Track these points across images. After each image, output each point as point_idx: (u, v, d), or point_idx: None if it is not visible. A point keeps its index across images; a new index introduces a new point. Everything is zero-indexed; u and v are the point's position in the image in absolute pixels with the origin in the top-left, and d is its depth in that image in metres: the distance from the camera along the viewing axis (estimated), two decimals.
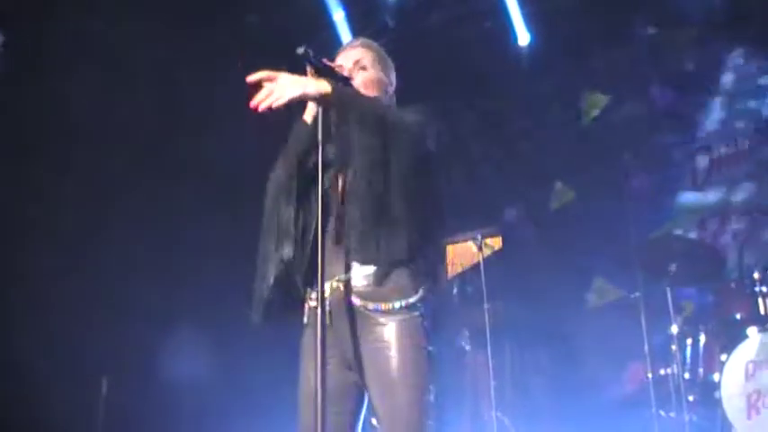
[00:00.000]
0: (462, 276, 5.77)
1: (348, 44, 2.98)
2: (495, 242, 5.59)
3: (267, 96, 2.52)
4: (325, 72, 2.66)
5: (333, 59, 2.83)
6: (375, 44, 2.99)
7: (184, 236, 5.84)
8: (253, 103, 2.52)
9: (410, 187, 2.59)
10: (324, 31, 6.88)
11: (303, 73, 2.65)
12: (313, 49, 2.64)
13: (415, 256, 2.60)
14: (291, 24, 6.31)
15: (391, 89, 2.92)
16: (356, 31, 6.73)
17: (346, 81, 2.75)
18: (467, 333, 5.53)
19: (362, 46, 2.95)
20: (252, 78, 2.54)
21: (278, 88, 2.52)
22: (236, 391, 5.72)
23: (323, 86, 2.56)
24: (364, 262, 2.62)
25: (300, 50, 2.61)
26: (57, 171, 5.41)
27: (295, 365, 2.74)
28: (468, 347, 5.56)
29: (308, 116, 2.77)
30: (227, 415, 5.60)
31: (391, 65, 2.95)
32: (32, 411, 4.87)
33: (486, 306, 5.23)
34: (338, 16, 6.94)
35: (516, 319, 5.97)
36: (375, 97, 2.75)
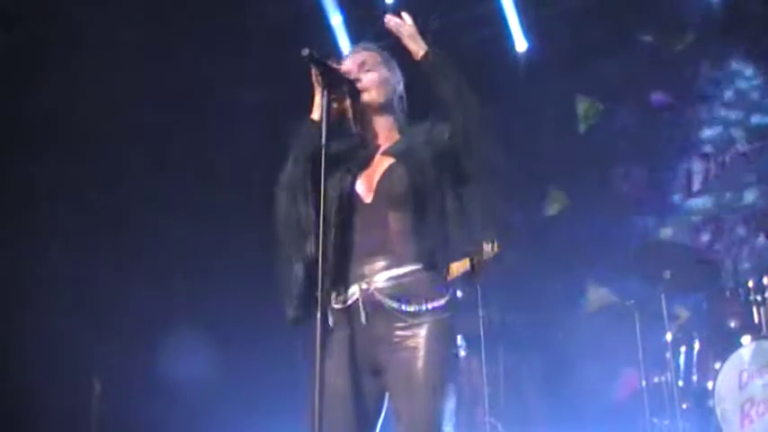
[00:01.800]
0: (457, 282, 5.75)
1: (352, 50, 3.00)
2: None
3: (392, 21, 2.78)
4: (329, 74, 2.68)
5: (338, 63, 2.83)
6: (376, 47, 3.00)
7: (179, 235, 5.83)
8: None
9: (456, 189, 2.64)
10: (322, 36, 6.89)
11: (308, 74, 2.69)
12: (317, 51, 2.65)
13: (445, 259, 2.61)
14: (289, 29, 6.32)
15: (400, 88, 2.92)
16: (354, 36, 6.74)
17: (351, 84, 2.76)
18: (461, 339, 5.52)
19: (366, 49, 2.95)
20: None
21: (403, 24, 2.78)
22: (231, 390, 5.71)
23: (424, 47, 2.76)
24: (395, 264, 2.62)
25: (305, 52, 2.61)
26: (55, 171, 5.41)
27: (291, 364, 2.74)
28: (462, 353, 5.55)
29: (315, 115, 2.77)
30: (221, 414, 5.59)
31: (395, 65, 2.95)
32: (25, 411, 4.86)
33: (480, 312, 5.22)
34: (336, 21, 6.94)
35: (510, 326, 5.97)
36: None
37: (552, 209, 7.01)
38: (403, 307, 2.59)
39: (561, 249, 6.66)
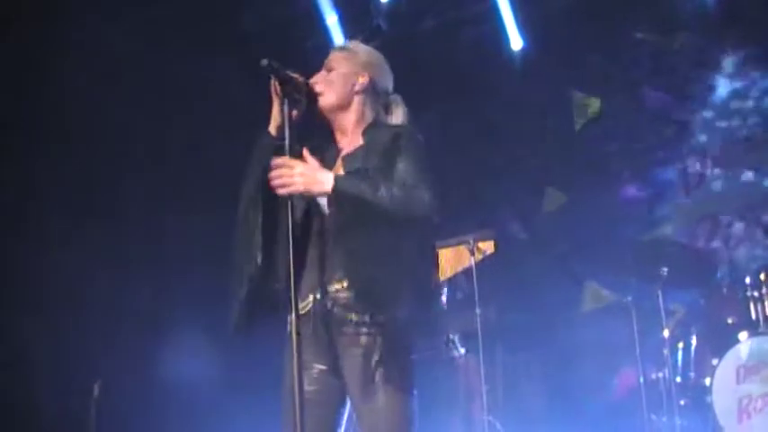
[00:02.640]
0: (454, 281, 5.77)
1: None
2: (488, 246, 5.57)
3: (278, 181, 2.58)
4: (288, 83, 2.69)
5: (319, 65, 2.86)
6: (347, 43, 3.02)
7: (178, 237, 5.83)
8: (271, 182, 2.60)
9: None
10: (317, 36, 6.89)
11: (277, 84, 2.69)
12: (276, 62, 2.67)
13: (401, 268, 2.59)
14: (284, 29, 6.32)
15: (362, 81, 2.87)
16: (349, 36, 6.74)
17: (308, 88, 2.77)
18: (458, 338, 5.53)
19: (335, 50, 2.98)
20: (273, 166, 2.60)
21: (288, 177, 2.57)
22: (230, 393, 5.71)
23: (326, 185, 2.57)
24: (348, 273, 2.61)
25: (264, 62, 2.63)
26: (53, 173, 5.41)
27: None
28: (459, 352, 5.55)
29: (272, 128, 2.79)
30: (220, 418, 5.58)
31: (364, 58, 2.93)
32: (23, 415, 4.86)
33: (477, 310, 5.23)
34: (331, 20, 6.94)
35: (508, 324, 5.97)
36: (379, 189, 2.60)
37: (549, 207, 7.01)
38: (354, 317, 2.61)
39: (559, 247, 6.67)
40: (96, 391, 4.86)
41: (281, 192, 2.58)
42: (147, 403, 5.35)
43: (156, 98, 5.85)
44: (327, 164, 2.76)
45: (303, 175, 2.57)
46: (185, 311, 5.70)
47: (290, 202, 2.58)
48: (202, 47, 6.03)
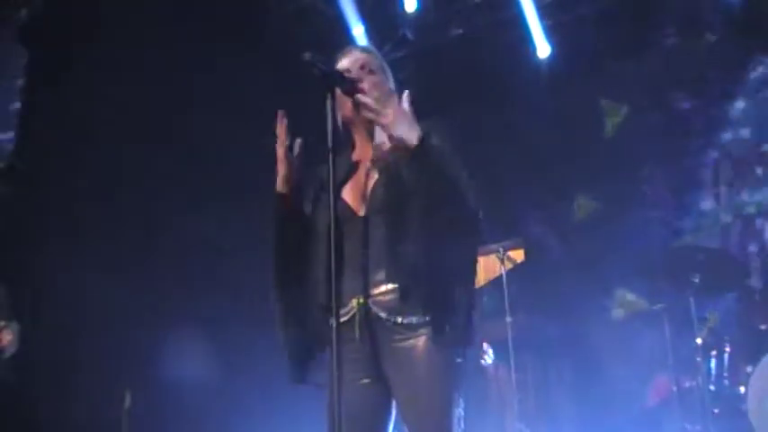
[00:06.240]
0: (484, 289, 5.75)
1: (347, 50, 2.90)
2: (518, 255, 5.55)
3: (374, 100, 2.51)
4: (332, 77, 2.61)
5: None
6: (375, 50, 2.96)
7: (205, 242, 5.87)
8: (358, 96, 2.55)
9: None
10: (343, 46, 6.90)
11: (312, 79, 2.59)
12: (323, 56, 2.61)
13: (447, 269, 2.56)
14: (310, 39, 6.35)
15: (393, 87, 2.85)
16: (376, 45, 6.76)
17: (354, 85, 2.65)
18: (489, 346, 5.51)
19: (365, 52, 2.89)
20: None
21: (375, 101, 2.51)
22: (264, 401, 5.72)
23: (417, 132, 2.50)
24: (392, 275, 2.58)
25: (307, 56, 2.55)
26: (76, 182, 5.46)
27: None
28: (490, 361, 5.53)
29: (279, 186, 2.73)
30: (252, 426, 5.60)
31: (390, 72, 2.90)
32: (56, 425, 4.90)
33: (508, 319, 5.21)
34: (358, 31, 6.97)
35: (539, 332, 5.94)
36: (450, 160, 2.58)
37: (579, 214, 6.98)
38: (400, 319, 2.57)
39: (589, 254, 6.63)
40: (128, 400, 4.89)
41: (362, 98, 2.51)
42: (178, 414, 5.38)
43: (172, 104, 5.90)
44: (349, 171, 2.74)
45: (397, 112, 2.49)
46: (213, 322, 5.73)
47: (331, 213, 2.47)
48: (226, 57, 6.08)
